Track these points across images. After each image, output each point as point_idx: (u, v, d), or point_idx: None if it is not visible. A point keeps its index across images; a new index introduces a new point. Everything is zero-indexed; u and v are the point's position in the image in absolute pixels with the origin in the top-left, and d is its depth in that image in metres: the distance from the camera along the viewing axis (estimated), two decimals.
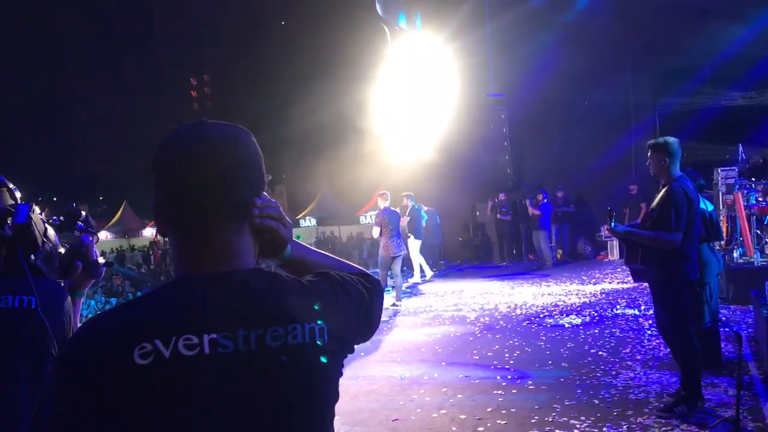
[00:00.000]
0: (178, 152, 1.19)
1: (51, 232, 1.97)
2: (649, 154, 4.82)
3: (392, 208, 10.93)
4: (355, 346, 1.31)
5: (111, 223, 37.16)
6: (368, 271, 1.42)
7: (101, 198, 45.61)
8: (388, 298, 10.66)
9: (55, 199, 44.71)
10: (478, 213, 17.10)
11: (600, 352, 6.71)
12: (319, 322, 1.18)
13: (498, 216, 16.00)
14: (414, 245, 13.38)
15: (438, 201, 15.86)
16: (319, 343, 1.17)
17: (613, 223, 4.86)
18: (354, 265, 1.44)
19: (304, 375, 1.15)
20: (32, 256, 1.84)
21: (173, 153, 1.19)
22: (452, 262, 16.71)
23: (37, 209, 1.95)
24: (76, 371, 1.05)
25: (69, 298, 1.94)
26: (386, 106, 15.90)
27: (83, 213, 2.17)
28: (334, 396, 1.23)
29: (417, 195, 14.89)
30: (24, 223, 1.82)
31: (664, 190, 4.72)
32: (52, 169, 45.34)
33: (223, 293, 1.14)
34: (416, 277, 13.51)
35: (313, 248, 1.42)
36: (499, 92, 16.52)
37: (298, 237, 30.72)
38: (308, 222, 32.99)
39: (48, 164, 45.04)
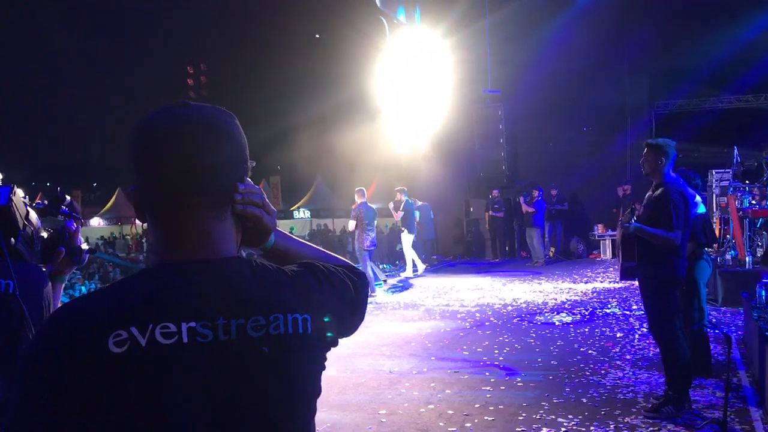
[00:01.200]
0: (156, 134, 1.13)
1: (33, 215, 1.93)
2: (645, 152, 4.81)
3: (368, 204, 11.42)
4: (341, 340, 1.28)
5: (104, 210, 37.05)
6: (351, 264, 1.38)
7: (95, 184, 45.47)
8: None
9: (48, 184, 44.56)
10: (471, 209, 17.11)
11: (589, 351, 6.71)
12: (302, 313, 1.15)
13: (491, 212, 16.01)
14: (407, 239, 13.40)
15: (432, 196, 15.84)
16: (302, 333, 1.13)
17: (633, 220, 4.81)
18: (339, 257, 1.40)
19: (285, 367, 1.12)
20: (12, 239, 1.81)
21: (151, 135, 1.14)
22: (445, 258, 16.70)
23: (19, 191, 1.91)
24: (47, 357, 1.02)
25: (49, 283, 1.90)
26: (383, 99, 15.86)
27: (68, 198, 2.13)
28: (316, 390, 1.20)
29: (411, 189, 14.87)
30: (4, 205, 1.78)
31: (659, 190, 4.71)
32: (46, 155, 45.18)
33: (203, 281, 1.10)
34: (408, 272, 13.52)
35: (297, 238, 1.38)
36: (496, 88, 16.49)
37: (292, 229, 30.78)
38: (302, 214, 32.94)
39: (42, 149, 44.86)
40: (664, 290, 4.69)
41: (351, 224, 11.20)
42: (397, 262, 15.73)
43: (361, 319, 1.34)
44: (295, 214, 33.00)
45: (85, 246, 2.10)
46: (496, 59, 15.95)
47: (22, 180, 43.87)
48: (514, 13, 15.67)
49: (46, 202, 2.09)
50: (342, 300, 1.27)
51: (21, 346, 1.75)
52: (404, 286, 12.31)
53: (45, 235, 2.02)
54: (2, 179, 1.94)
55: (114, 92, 45.99)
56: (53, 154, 44.86)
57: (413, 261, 13.60)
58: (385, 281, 12.58)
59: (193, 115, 1.15)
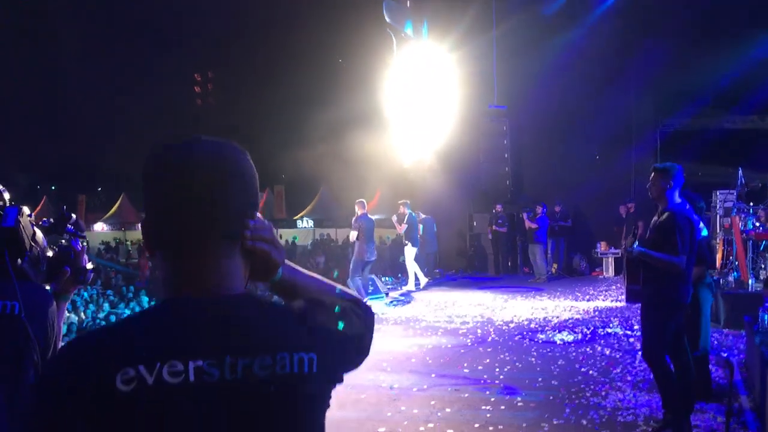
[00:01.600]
0: (168, 170, 1.15)
1: (39, 235, 1.95)
2: (651, 177, 4.81)
3: (369, 216, 11.82)
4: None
5: (108, 215, 37.14)
6: (359, 298, 1.39)
7: (100, 189, 45.55)
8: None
9: (53, 188, 44.73)
10: (475, 223, 17.11)
11: (590, 371, 6.70)
12: (308, 351, 1.16)
13: (494, 227, 16.01)
14: (410, 252, 13.41)
15: (436, 209, 15.84)
16: (307, 373, 1.14)
17: (635, 244, 4.84)
18: (346, 289, 1.41)
19: (290, 406, 1.13)
20: (19, 260, 1.82)
21: (163, 170, 1.16)
22: (447, 271, 16.69)
23: (26, 211, 1.92)
24: (54, 394, 1.03)
25: (54, 302, 1.92)
26: (389, 111, 15.91)
27: (73, 216, 2.14)
28: (321, 427, 1.21)
29: (415, 202, 14.90)
30: (12, 226, 1.79)
31: (666, 215, 4.71)
32: (52, 159, 45.26)
33: (211, 318, 1.11)
34: (410, 285, 13.50)
35: (304, 271, 1.39)
36: (502, 103, 16.54)
37: (295, 238, 30.78)
38: (305, 223, 32.99)
39: (48, 154, 44.97)
40: (665, 314, 4.69)
41: (353, 235, 11.46)
42: (399, 275, 15.70)
43: (366, 354, 1.35)
44: (299, 223, 33.05)
45: (90, 265, 2.11)
46: (503, 73, 16.01)
47: (28, 184, 44.04)
48: (520, 28, 15.73)
49: (52, 220, 2.11)
50: (348, 337, 1.28)
51: (27, 367, 1.76)
52: (406, 299, 12.30)
53: (50, 254, 2.03)
54: (10, 199, 1.94)
55: (120, 97, 46.18)
56: (58, 158, 44.97)
57: (415, 274, 13.60)
58: (386, 294, 12.58)
59: (205, 151, 1.17)
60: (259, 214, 1.23)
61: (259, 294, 1.24)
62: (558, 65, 15.53)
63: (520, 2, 16.18)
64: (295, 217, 33.32)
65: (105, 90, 45.08)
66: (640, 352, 7.37)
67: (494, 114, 16.56)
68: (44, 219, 2.12)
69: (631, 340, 8.17)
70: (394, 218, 13.64)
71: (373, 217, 29.60)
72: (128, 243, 32.32)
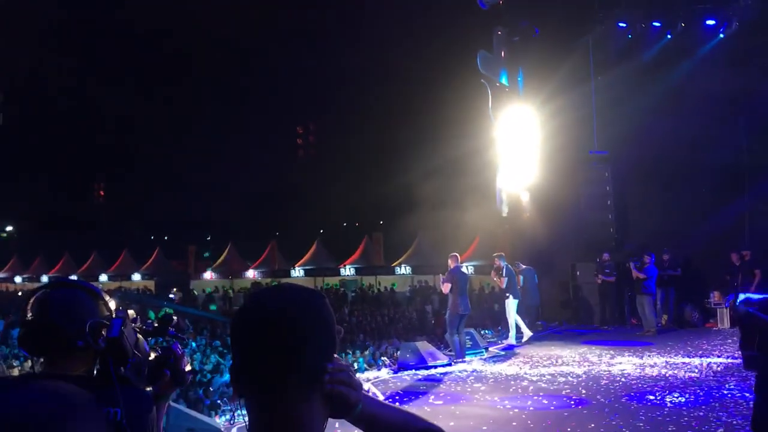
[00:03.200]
0: (249, 317, 1.25)
1: (141, 341, 2.08)
2: None
3: (462, 269, 11.98)
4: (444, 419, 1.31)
5: (216, 264, 38.71)
6: (439, 427, 1.41)
7: (209, 239, 47.60)
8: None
9: (166, 238, 47.20)
10: (578, 272, 16.62)
11: None
12: None
13: (601, 276, 15.47)
14: (511, 305, 13.15)
15: (537, 260, 15.54)
16: None
17: (738, 300, 4.60)
18: (425, 420, 1.44)
19: None
20: (122, 368, 1.95)
21: (244, 318, 1.25)
22: (550, 324, 16.26)
23: (131, 315, 2.07)
24: None
25: (154, 407, 2.03)
26: (487, 160, 15.95)
27: (175, 318, 2.28)
28: None
29: (515, 252, 14.72)
30: (116, 337, 1.93)
31: None
32: (165, 212, 47.73)
33: None
34: (511, 339, 13.21)
35: (384, 402, 1.43)
36: (602, 149, 16.21)
37: (393, 285, 30.99)
38: (403, 270, 33.16)
39: (161, 207, 47.52)
40: None
41: (446, 288, 11.54)
42: (499, 328, 15.44)
43: None
44: (397, 270, 33.27)
45: (188, 368, 2.23)
46: (602, 120, 15.75)
47: (142, 235, 46.70)
48: (620, 74, 15.48)
49: (156, 324, 2.25)
50: None
51: None
52: (507, 354, 12.07)
53: (152, 357, 2.17)
54: (115, 309, 2.10)
55: (227, 149, 48.53)
56: (171, 210, 47.50)
57: (518, 327, 13.29)
58: (486, 349, 12.41)
59: (285, 297, 1.26)
60: (336, 356, 1.30)
61: None
62: (661, 109, 15.12)
63: (619, 49, 15.97)
64: (393, 264, 33.58)
65: (213, 143, 47.40)
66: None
67: (595, 160, 16.24)
68: (148, 321, 2.27)
69: (751, 403, 7.64)
70: (493, 274, 13.53)
71: (472, 264, 29.56)
72: (229, 291, 33.53)
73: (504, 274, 13.11)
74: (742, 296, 4.65)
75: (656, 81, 15.42)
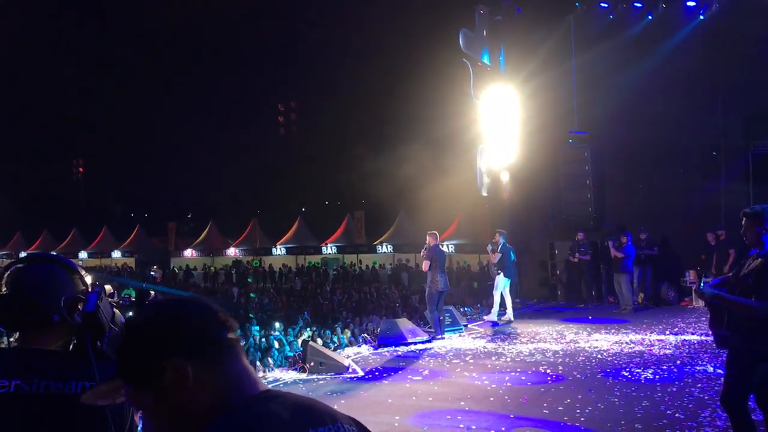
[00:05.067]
0: None
1: (118, 315, 2.08)
2: (743, 222, 4.64)
3: (440, 247, 12.13)
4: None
5: (197, 242, 38.55)
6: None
7: (189, 216, 47.36)
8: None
9: (146, 215, 46.87)
10: (556, 251, 16.79)
11: (676, 414, 6.46)
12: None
13: (578, 255, 15.66)
14: (500, 282, 13.15)
15: (515, 238, 15.63)
16: None
17: (702, 283, 4.67)
18: None
19: None
20: (98, 343, 1.96)
21: None
22: (528, 301, 16.45)
23: (108, 291, 2.07)
24: None
25: None
26: (467, 140, 15.97)
27: (152, 293, 2.29)
28: None
29: (493, 230, 14.76)
30: (92, 311, 1.93)
31: (761, 259, 4.51)
32: (145, 189, 47.29)
33: None
34: (493, 315, 13.21)
35: None
36: (583, 129, 16.30)
37: (375, 263, 31.12)
38: (385, 248, 33.30)
39: (139, 183, 47.07)
40: (750, 365, 4.48)
41: (425, 265, 11.60)
42: (478, 305, 15.58)
43: None
44: (378, 248, 33.40)
45: None
46: (583, 100, 15.81)
47: (122, 212, 46.32)
48: (601, 54, 15.52)
49: (133, 298, 2.26)
50: None
51: None
52: (485, 331, 12.20)
53: None
54: (92, 282, 2.10)
55: (207, 128, 48.11)
56: (152, 188, 47.12)
57: (504, 305, 13.26)
58: (465, 326, 12.53)
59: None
60: None
61: None
62: (640, 89, 15.22)
63: (600, 29, 16.01)
64: (374, 243, 33.69)
65: (192, 121, 46.96)
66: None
67: (575, 139, 16.32)
68: (125, 297, 2.27)
69: (722, 380, 7.82)
70: (489, 247, 13.53)
71: (453, 242, 29.62)
72: (211, 268, 33.40)
73: (499, 250, 13.17)
74: (705, 280, 4.71)
75: (636, 61, 15.50)
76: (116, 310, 2.07)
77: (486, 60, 15.68)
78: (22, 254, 37.29)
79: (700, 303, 14.41)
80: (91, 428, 1.87)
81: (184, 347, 1.25)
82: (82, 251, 39.90)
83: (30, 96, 49.62)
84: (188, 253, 38.37)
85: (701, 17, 15.88)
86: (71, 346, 1.97)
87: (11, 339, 2.04)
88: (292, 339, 10.31)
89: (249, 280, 26.89)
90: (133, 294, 2.28)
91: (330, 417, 1.28)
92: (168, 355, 1.24)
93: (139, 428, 2.06)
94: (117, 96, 49.41)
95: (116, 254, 39.50)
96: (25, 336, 1.99)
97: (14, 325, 2.01)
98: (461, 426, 6.27)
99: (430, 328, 11.68)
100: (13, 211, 50.00)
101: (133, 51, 48.42)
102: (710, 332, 4.99)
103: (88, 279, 2.05)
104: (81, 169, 52.41)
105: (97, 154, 51.49)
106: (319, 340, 10.10)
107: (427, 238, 11.75)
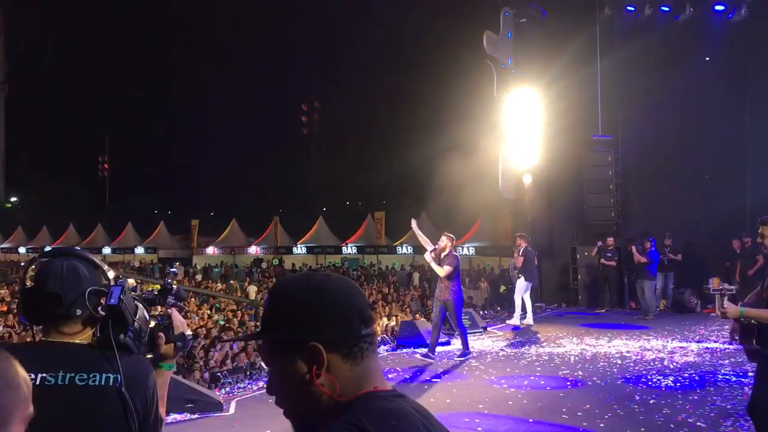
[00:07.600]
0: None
1: (141, 309, 2.10)
2: (760, 231, 4.58)
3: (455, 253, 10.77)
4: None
5: (219, 239, 38.83)
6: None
7: (212, 214, 47.77)
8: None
9: (170, 212, 47.34)
10: (578, 256, 16.64)
11: (698, 423, 6.38)
12: None
13: (602, 260, 15.47)
14: (521, 286, 13.05)
15: (537, 242, 15.54)
16: None
17: (725, 303, 4.58)
18: None
19: None
20: (122, 336, 1.99)
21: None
22: (549, 306, 16.33)
23: (131, 284, 2.10)
24: None
25: (153, 372, 2.07)
26: (489, 142, 15.90)
27: (175, 287, 2.31)
28: None
29: (515, 233, 14.67)
30: (115, 305, 1.97)
31: None
32: (168, 187, 47.76)
33: None
34: (515, 320, 13.12)
35: None
36: (607, 133, 16.15)
37: (394, 264, 31.12)
38: (405, 249, 33.27)
39: (165, 182, 47.52)
40: None
41: (446, 270, 9.98)
42: (498, 309, 15.52)
43: None
44: (398, 249, 33.38)
45: (189, 332, 2.25)
46: (607, 104, 15.66)
47: (145, 208, 46.87)
48: (626, 57, 15.37)
49: (156, 292, 2.28)
50: None
51: None
52: (505, 334, 12.15)
53: (153, 324, 2.19)
54: (115, 277, 2.13)
55: (232, 127, 48.48)
56: (175, 186, 47.57)
57: (525, 309, 13.14)
58: (485, 329, 12.47)
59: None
60: None
61: None
62: (665, 94, 15.07)
63: (626, 33, 15.86)
64: (394, 243, 33.70)
65: (217, 121, 47.36)
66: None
67: (599, 144, 16.17)
68: (148, 291, 2.30)
69: (746, 388, 7.71)
70: (515, 252, 13.39)
71: (473, 245, 29.42)
72: (235, 267, 33.57)
73: (521, 254, 13.08)
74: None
75: (662, 66, 15.32)
76: (139, 304, 2.10)
77: (510, 62, 15.61)
78: (47, 248, 37.97)
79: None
80: (116, 419, 1.91)
81: (329, 336, 1.29)
82: (106, 246, 40.42)
83: (56, 92, 50.44)
84: (210, 250, 38.66)
85: (729, 20, 15.67)
86: (94, 339, 2.00)
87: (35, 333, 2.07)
88: None
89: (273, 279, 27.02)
90: (156, 289, 2.30)
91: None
92: (312, 338, 1.29)
93: (163, 420, 2.08)
94: (143, 94, 50.03)
95: (139, 250, 39.96)
96: (48, 329, 2.02)
97: (38, 319, 2.04)
98: (479, 429, 6.24)
99: (449, 330, 11.54)
100: (39, 206, 50.88)
101: (162, 50, 49.02)
102: (738, 344, 4.90)
103: (111, 274, 2.08)
104: (106, 166, 53.09)
105: (123, 152, 52.20)
106: None
107: (445, 240, 10.30)
